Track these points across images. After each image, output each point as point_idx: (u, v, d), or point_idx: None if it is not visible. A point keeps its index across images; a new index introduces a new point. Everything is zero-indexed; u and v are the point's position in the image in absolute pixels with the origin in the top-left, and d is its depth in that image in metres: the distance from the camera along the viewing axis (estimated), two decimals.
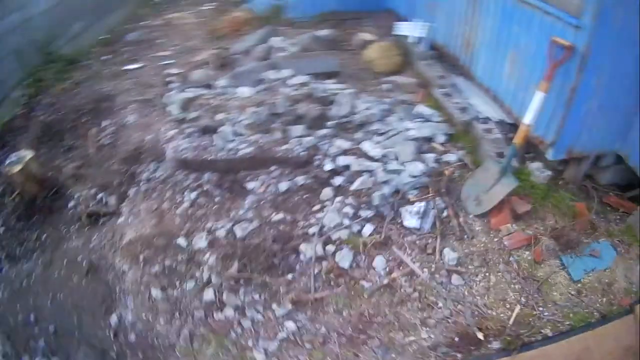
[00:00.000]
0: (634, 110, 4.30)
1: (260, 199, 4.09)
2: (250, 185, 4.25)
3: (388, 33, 6.80)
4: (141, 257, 3.92)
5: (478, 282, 3.62)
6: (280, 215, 3.94)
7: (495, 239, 3.92)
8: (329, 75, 5.81)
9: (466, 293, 3.52)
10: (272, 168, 4.28)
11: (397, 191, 4.11)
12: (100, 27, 8.06)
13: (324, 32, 6.88)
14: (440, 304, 3.43)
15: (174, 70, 6.46)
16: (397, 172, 4.20)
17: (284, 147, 4.44)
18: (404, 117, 4.95)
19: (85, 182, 4.85)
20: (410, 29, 6.40)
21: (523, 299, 3.53)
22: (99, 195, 4.64)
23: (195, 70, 6.24)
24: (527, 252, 3.85)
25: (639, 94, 4.21)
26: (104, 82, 6.56)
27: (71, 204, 4.72)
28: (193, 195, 4.26)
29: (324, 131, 4.64)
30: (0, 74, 6.33)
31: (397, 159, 4.36)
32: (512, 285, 3.63)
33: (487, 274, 3.67)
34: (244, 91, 5.28)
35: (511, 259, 3.82)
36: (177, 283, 3.70)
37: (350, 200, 4.00)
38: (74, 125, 5.73)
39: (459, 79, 5.63)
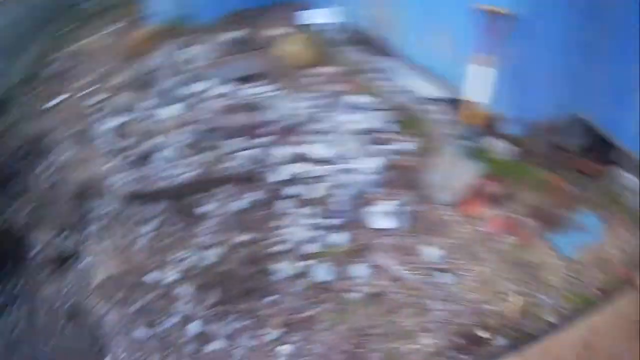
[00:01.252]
0: (588, 70, 4.06)
1: (218, 222, 3.99)
2: (203, 209, 4.12)
3: (297, 24, 6.49)
4: (116, 297, 3.84)
5: (468, 277, 3.50)
6: (243, 237, 3.84)
7: (474, 227, 3.80)
8: (251, 78, 5.57)
9: (459, 290, 3.41)
10: (222, 188, 4.16)
11: (358, 192, 4.00)
12: (18, 67, 7.58)
13: (233, 34, 6.57)
14: (436, 306, 3.32)
15: (97, 98, 6.13)
16: (352, 172, 4.09)
17: (227, 164, 4.32)
18: (341, 110, 4.79)
19: (42, 227, 4.67)
20: (321, 16, 6.11)
21: (520, 288, 3.43)
22: (58, 239, 4.49)
23: (117, 95, 5.93)
24: (512, 237, 3.73)
25: (587, 55, 3.98)
26: (33, 122, 6.22)
27: (34, 250, 4.55)
28: (149, 227, 4.13)
29: (262, 140, 4.50)
30: None
31: (348, 157, 4.24)
32: (505, 275, 3.52)
33: (476, 266, 3.57)
34: (172, 110, 5.11)
35: (496, 246, 3.70)
36: (159, 320, 3.63)
37: (311, 210, 3.91)
38: (17, 169, 5.47)
39: (388, 61, 5.37)
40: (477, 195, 3.95)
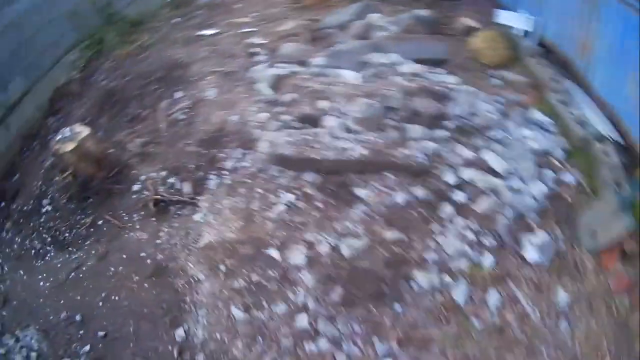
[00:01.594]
0: None
1: (371, 210, 4.42)
2: (359, 192, 4.56)
3: (489, 20, 7.17)
4: (222, 266, 4.28)
5: (580, 328, 4.04)
6: (394, 234, 4.26)
7: (603, 279, 4.33)
8: (435, 63, 6.19)
9: (568, 339, 3.95)
10: (387, 174, 4.61)
11: (518, 216, 4.46)
12: None
13: (423, 13, 7.22)
14: (545, 351, 3.86)
15: (258, 40, 6.91)
16: (519, 192, 4.56)
17: (401, 150, 4.75)
18: (520, 122, 5.33)
19: (154, 163, 5.32)
20: (515, 20, 6.86)
21: (613, 348, 3.95)
22: (171, 180, 5.08)
23: (283, 42, 6.66)
24: (626, 297, 4.18)
25: None
26: (176, 48, 7.13)
27: (136, 187, 5.22)
28: (290, 197, 4.58)
29: (442, 133, 4.96)
30: (52, 35, 7.20)
31: (517, 175, 4.71)
32: (607, 333, 4.04)
33: (590, 319, 4.09)
34: (348, 75, 5.68)
35: (611, 303, 4.16)
36: (265, 303, 4.03)
37: (472, 223, 4.35)
38: (140, 93, 6.27)
39: (572, 84, 5.96)
40: (617, 248, 4.37)
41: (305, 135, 4.96)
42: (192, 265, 4.43)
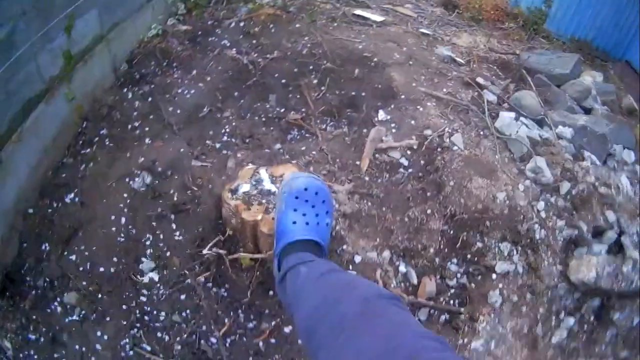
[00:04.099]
0: None
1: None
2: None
3: None
4: None
5: None
6: None
7: None
8: None
9: None
10: None
11: None
12: None
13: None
14: None
15: (454, 56, 5.24)
16: None
17: None
18: None
19: (368, 235, 3.78)
20: None
21: None
22: (401, 268, 3.75)
23: (510, 84, 5.02)
24: None
25: None
26: (340, 28, 5.18)
27: None
28: (571, 321, 3.87)
29: None
30: None
31: None
32: None
33: None
34: (624, 181, 4.31)
35: None
36: None
37: None
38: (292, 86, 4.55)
39: None
40: None
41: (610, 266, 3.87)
42: None
